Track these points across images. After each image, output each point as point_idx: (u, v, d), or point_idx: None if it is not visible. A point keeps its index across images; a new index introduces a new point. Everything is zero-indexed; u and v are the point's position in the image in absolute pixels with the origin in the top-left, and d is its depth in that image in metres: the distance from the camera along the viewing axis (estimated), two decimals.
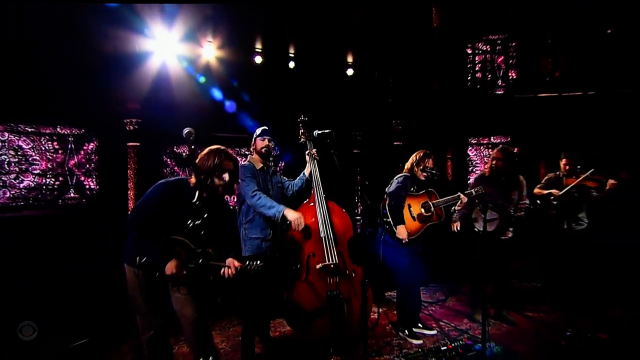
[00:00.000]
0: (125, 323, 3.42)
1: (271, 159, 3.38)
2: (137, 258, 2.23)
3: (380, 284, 3.76)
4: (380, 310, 4.10)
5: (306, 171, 3.45)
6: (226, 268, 2.39)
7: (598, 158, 5.02)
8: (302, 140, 3.47)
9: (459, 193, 3.55)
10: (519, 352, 3.29)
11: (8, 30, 3.74)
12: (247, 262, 2.44)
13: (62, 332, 3.27)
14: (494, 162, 3.91)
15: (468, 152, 7.13)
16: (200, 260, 2.29)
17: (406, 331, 3.62)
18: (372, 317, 3.95)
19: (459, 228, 3.99)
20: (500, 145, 4.06)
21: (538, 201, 4.01)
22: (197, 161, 2.42)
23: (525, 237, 4.30)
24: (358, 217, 6.12)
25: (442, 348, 3.12)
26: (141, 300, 2.35)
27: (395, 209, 3.52)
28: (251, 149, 3.44)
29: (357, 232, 3.53)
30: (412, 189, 3.62)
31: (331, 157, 2.65)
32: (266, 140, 3.33)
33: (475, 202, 3.61)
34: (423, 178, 3.62)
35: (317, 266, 3.14)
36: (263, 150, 3.33)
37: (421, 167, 3.61)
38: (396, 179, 3.66)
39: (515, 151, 3.94)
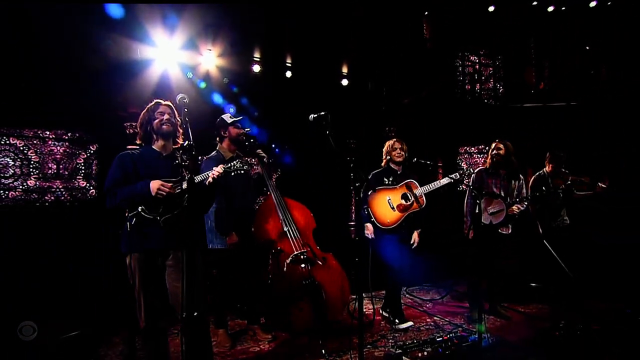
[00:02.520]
0: (121, 318, 3.47)
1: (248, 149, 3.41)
2: (129, 214, 2.33)
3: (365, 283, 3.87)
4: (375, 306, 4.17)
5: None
6: (211, 172, 2.44)
7: (583, 161, 5.25)
8: (248, 149, 3.55)
9: (439, 179, 3.75)
10: (514, 343, 3.41)
11: (9, 32, 3.85)
12: (228, 164, 2.49)
13: (61, 328, 3.27)
14: (494, 153, 3.89)
15: (459, 162, 7.29)
16: (185, 181, 2.21)
17: (396, 320, 3.77)
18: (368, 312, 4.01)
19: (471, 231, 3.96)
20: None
21: (537, 193, 4.01)
22: (137, 124, 2.57)
23: (524, 234, 4.40)
24: (352, 223, 6.19)
25: (438, 339, 3.15)
26: (139, 289, 2.38)
27: (361, 214, 3.71)
28: (220, 138, 3.39)
29: (318, 223, 3.67)
30: (387, 181, 3.80)
31: (327, 138, 2.74)
32: (242, 128, 3.36)
33: (458, 187, 3.76)
34: (402, 159, 3.79)
35: (287, 260, 3.23)
36: (240, 137, 3.32)
37: (392, 152, 3.80)
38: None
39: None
